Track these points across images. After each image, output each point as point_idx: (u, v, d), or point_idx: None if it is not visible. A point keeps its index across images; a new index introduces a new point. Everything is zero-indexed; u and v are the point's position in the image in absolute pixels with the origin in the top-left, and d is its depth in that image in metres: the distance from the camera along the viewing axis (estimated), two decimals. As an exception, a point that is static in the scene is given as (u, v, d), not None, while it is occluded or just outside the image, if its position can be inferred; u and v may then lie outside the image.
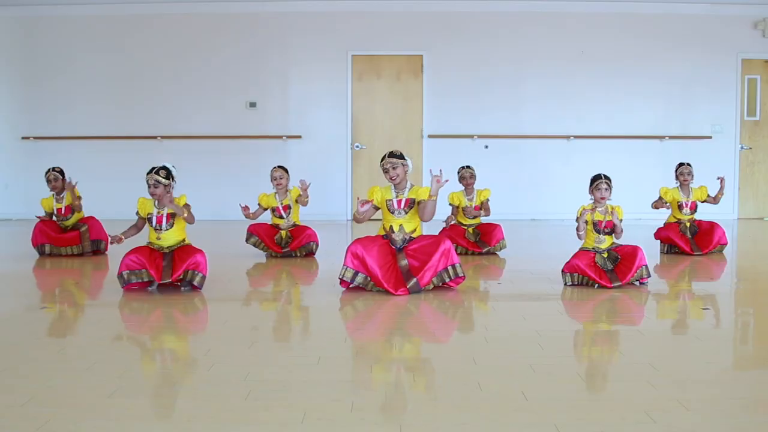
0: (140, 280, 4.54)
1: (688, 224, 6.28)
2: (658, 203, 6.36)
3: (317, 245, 6.14)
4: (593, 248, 4.76)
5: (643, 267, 4.66)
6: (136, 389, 2.71)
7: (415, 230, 4.63)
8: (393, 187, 4.64)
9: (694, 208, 6.30)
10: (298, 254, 6.08)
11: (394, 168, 4.58)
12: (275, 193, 6.16)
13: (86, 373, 2.90)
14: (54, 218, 6.23)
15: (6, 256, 6.70)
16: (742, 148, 9.57)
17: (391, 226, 4.60)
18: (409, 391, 2.72)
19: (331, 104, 9.48)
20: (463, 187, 6.42)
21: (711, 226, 6.24)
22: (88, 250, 6.15)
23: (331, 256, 6.37)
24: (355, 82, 9.47)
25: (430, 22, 9.39)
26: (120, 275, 4.51)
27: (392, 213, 4.59)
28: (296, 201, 6.14)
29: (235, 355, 3.17)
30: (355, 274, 4.49)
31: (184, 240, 4.71)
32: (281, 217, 6.13)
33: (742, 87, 9.55)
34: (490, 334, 3.60)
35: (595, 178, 4.78)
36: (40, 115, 9.52)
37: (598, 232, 4.73)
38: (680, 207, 6.31)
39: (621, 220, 4.77)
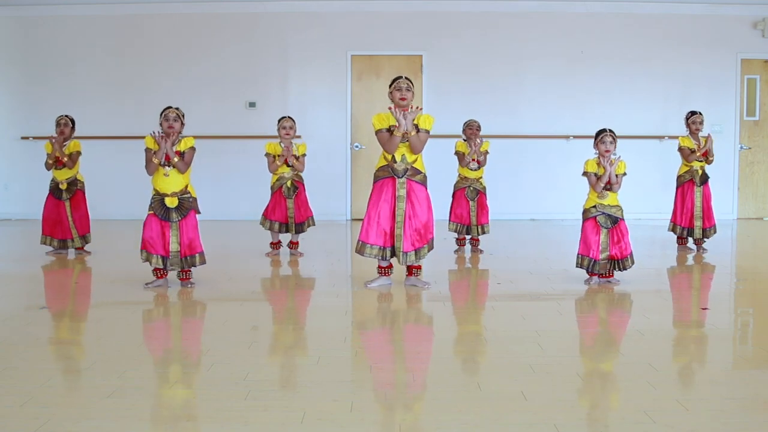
0: (157, 266, 4.62)
1: (700, 171, 6.26)
2: (689, 154, 6.25)
3: (312, 223, 6.17)
4: (595, 207, 4.76)
5: (628, 257, 4.72)
6: (136, 389, 2.71)
7: (416, 160, 4.61)
8: (395, 113, 4.53)
9: (705, 155, 6.26)
10: (299, 231, 6.10)
11: (408, 90, 4.55)
12: (280, 142, 6.14)
13: (86, 373, 2.90)
14: (54, 166, 6.19)
15: (6, 256, 6.69)
16: (741, 148, 9.57)
17: (393, 156, 4.58)
18: (409, 391, 2.72)
19: (331, 104, 9.47)
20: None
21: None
22: (79, 245, 6.22)
23: (331, 256, 6.37)
24: (354, 82, 9.47)
25: (429, 22, 9.38)
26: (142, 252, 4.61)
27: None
28: (298, 159, 6.10)
29: (235, 355, 3.17)
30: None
31: (187, 186, 4.68)
32: (287, 165, 6.06)
33: (742, 87, 9.54)
34: (490, 334, 3.60)
35: (600, 132, 4.81)
36: (40, 115, 9.50)
37: (605, 187, 4.74)
38: (692, 153, 6.25)
39: (624, 174, 4.79)
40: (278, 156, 6.04)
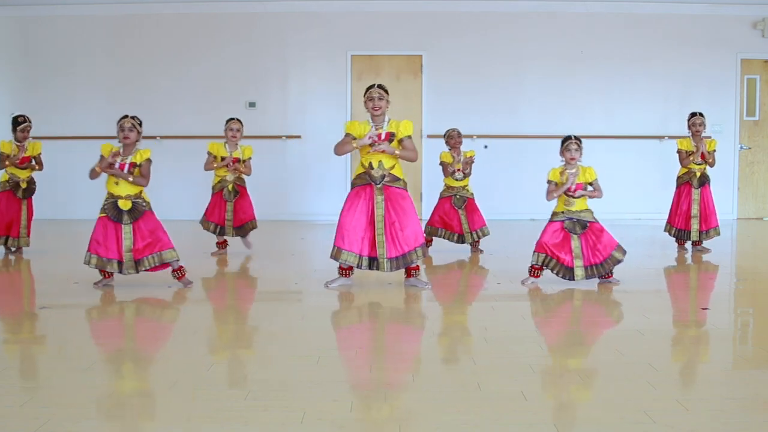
0: (105, 268, 4.57)
1: (698, 174, 6.25)
2: (685, 157, 6.25)
3: (254, 226, 6.22)
4: (563, 212, 4.70)
5: (614, 252, 4.64)
6: (136, 389, 2.71)
7: (393, 167, 4.57)
8: (371, 122, 4.57)
9: (704, 158, 6.26)
10: (239, 234, 6.14)
11: (380, 99, 4.52)
12: (226, 143, 6.20)
13: (86, 373, 2.89)
14: (11, 163, 6.21)
15: (4, 255, 6.69)
16: (741, 148, 9.57)
17: (370, 163, 4.54)
18: (409, 391, 2.72)
19: (331, 104, 9.47)
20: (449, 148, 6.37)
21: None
22: (26, 244, 6.27)
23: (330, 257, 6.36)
24: (354, 82, 9.47)
25: (429, 22, 9.39)
26: (87, 254, 4.53)
27: (372, 147, 4.52)
28: (245, 163, 6.20)
29: (234, 355, 3.17)
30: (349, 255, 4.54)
31: (141, 192, 4.63)
32: (228, 166, 6.13)
33: (742, 87, 9.54)
34: (490, 334, 3.59)
35: (566, 139, 4.78)
36: (40, 115, 9.47)
37: (568, 194, 4.70)
38: (689, 156, 6.25)
39: (595, 179, 4.72)
40: (219, 158, 6.06)
